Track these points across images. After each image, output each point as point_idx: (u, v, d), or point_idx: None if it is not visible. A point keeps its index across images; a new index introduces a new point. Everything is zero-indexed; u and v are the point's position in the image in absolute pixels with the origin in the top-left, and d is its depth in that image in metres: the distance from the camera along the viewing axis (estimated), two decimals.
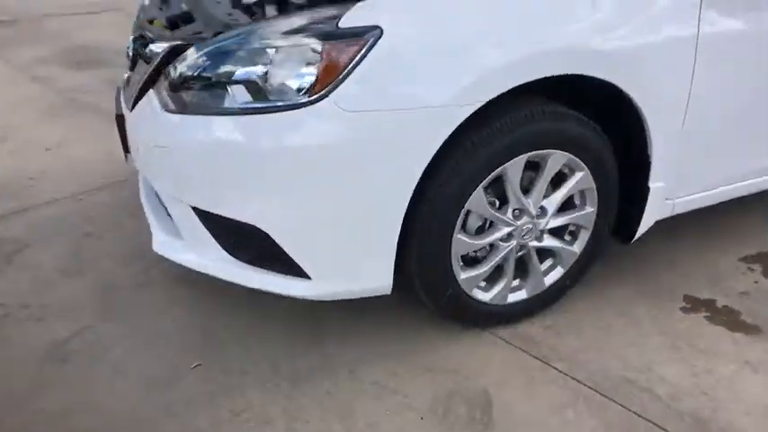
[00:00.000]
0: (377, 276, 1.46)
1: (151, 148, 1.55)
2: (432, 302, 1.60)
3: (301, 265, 1.42)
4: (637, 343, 1.69)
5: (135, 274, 1.95)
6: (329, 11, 1.33)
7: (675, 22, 1.51)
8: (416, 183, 1.35)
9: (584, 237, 1.70)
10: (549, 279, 1.72)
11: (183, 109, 1.46)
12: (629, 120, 1.56)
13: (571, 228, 1.70)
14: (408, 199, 1.36)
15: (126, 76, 1.85)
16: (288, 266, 1.44)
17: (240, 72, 1.35)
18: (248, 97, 1.35)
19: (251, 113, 1.34)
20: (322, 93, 1.28)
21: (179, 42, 1.50)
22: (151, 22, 1.83)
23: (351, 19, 1.29)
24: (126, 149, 1.83)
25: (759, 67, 1.68)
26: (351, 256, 1.43)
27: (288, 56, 1.31)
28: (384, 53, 1.27)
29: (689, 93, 1.57)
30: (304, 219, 1.37)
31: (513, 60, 1.32)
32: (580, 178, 1.59)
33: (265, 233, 1.39)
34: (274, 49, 1.32)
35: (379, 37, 1.27)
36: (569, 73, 1.38)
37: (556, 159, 1.52)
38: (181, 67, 1.44)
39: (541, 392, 1.52)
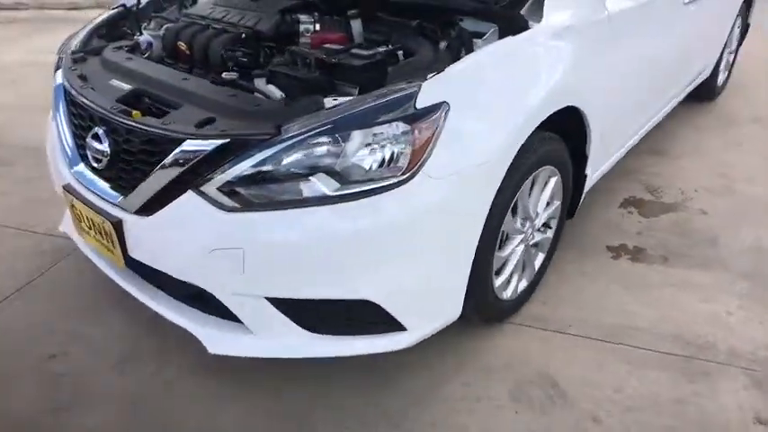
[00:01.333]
0: (454, 308, 1.66)
1: (207, 252, 1.46)
2: (477, 313, 1.85)
3: (401, 321, 1.54)
4: (604, 294, 2.18)
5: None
6: (398, 90, 1.44)
7: (605, 58, 1.99)
8: (485, 220, 1.58)
9: (554, 224, 2.12)
10: (537, 264, 2.11)
11: (248, 206, 1.42)
12: (577, 128, 1.99)
13: (546, 220, 2.10)
14: (479, 235, 1.58)
15: (99, 164, 1.66)
16: (386, 326, 1.55)
17: (326, 161, 1.39)
18: (334, 184, 1.39)
19: (348, 200, 1.39)
20: (414, 168, 1.41)
21: (224, 140, 1.43)
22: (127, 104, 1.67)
23: (424, 98, 1.43)
24: (126, 255, 1.65)
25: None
26: (438, 298, 1.61)
27: (379, 140, 1.39)
28: (455, 122, 1.45)
29: (605, 101, 2.06)
30: (404, 280, 1.49)
31: (540, 103, 1.63)
32: (556, 182, 1.98)
33: (367, 302, 1.48)
34: (364, 134, 1.39)
35: (449, 110, 1.44)
36: (566, 105, 1.74)
37: (546, 172, 1.88)
38: (247, 165, 1.40)
39: (579, 357, 1.90)
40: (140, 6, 2.29)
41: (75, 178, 1.76)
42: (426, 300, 1.58)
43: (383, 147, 1.40)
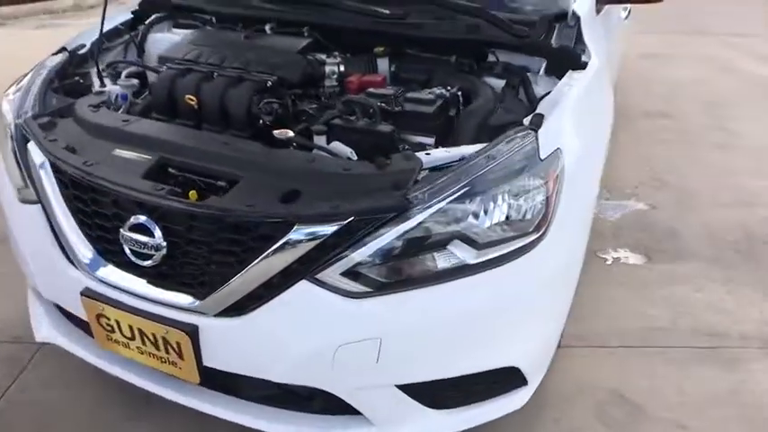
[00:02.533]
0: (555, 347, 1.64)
1: (333, 349, 1.26)
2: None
3: (528, 377, 1.48)
4: (617, 300, 2.31)
5: None
6: (513, 140, 1.36)
7: None
8: None
9: None
10: None
11: (381, 288, 1.25)
12: None
13: None
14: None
15: (148, 261, 1.34)
16: (510, 384, 1.47)
17: (461, 226, 1.27)
18: (471, 251, 1.28)
19: (489, 266, 1.28)
20: (546, 224, 1.35)
21: (345, 221, 1.23)
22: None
23: (544, 149, 1.37)
24: (201, 366, 1.35)
25: None
26: (553, 343, 1.57)
27: (513, 198, 1.30)
28: (568, 168, 1.41)
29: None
30: (540, 336, 1.44)
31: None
32: None
33: (512, 367, 1.40)
34: (500, 194, 1.29)
35: (562, 156, 1.40)
36: None
37: None
38: (378, 244, 1.22)
39: (631, 367, 1.99)
40: (101, 48, 1.89)
41: (103, 283, 1.40)
42: (547, 349, 1.54)
43: (518, 205, 1.32)
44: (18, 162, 1.58)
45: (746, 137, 3.78)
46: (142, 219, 1.33)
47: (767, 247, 2.66)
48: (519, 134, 1.39)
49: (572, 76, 1.63)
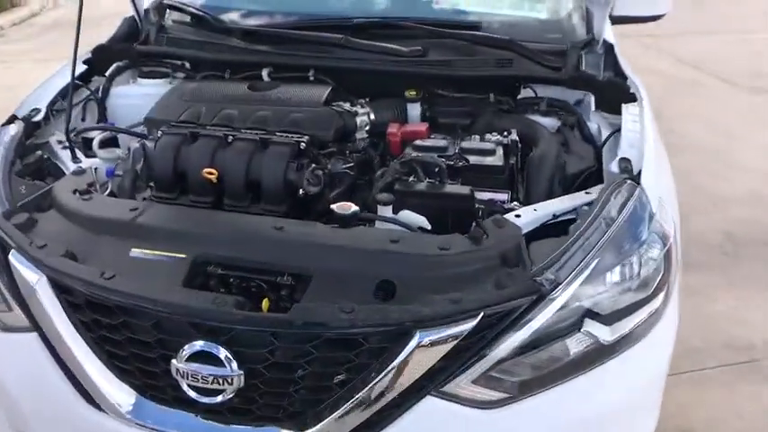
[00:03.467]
0: None
1: None
2: None
3: None
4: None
5: None
6: (616, 196, 1.22)
7: None
8: None
9: None
10: None
11: (518, 392, 1.05)
12: None
13: None
14: None
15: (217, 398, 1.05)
16: None
17: (591, 303, 1.10)
18: (604, 328, 1.11)
19: (628, 343, 1.12)
20: (669, 281, 1.21)
21: (473, 319, 1.01)
22: None
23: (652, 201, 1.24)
24: None
25: None
26: None
27: (638, 264, 1.15)
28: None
29: None
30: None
31: None
32: None
33: None
34: (629, 261, 1.13)
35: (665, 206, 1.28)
36: None
37: None
38: (514, 342, 1.02)
39: (682, 397, 1.92)
40: (60, 111, 1.52)
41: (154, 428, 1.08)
42: None
43: (636, 266, 1.17)
44: None
45: (690, 136, 3.95)
46: (202, 345, 1.04)
47: (750, 246, 2.76)
48: (623, 187, 1.24)
49: (629, 111, 1.51)
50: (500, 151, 1.41)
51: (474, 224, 1.18)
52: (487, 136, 1.48)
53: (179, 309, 1.04)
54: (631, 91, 1.57)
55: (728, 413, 1.89)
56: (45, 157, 1.50)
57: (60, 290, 1.12)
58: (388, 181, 1.34)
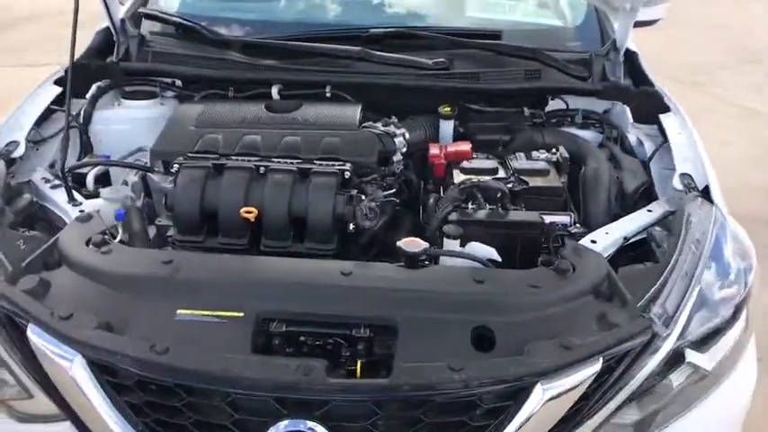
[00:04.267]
0: None
1: None
2: None
3: None
4: None
5: None
6: (695, 213, 1.17)
7: None
8: None
9: None
10: None
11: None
12: None
13: None
14: None
15: None
16: None
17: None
18: (700, 355, 1.06)
19: (729, 369, 1.08)
20: (746, 300, 1.17)
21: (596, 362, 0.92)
22: None
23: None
24: None
25: None
26: None
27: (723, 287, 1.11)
28: None
29: None
30: None
31: None
32: None
33: None
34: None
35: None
36: None
37: None
38: (635, 383, 0.97)
39: None
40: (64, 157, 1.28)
41: None
42: None
43: (724, 294, 1.13)
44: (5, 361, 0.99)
45: None
46: (291, 424, 0.88)
47: None
48: (697, 205, 1.20)
49: (669, 122, 1.48)
50: (553, 170, 1.34)
51: (557, 255, 1.10)
52: (534, 153, 1.40)
53: (261, 383, 0.88)
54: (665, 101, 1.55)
55: None
56: (36, 202, 1.28)
57: (100, 369, 0.93)
58: (448, 210, 1.23)
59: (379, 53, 1.55)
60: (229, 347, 0.93)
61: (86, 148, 1.53)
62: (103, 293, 1.03)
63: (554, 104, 1.63)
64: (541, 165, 1.35)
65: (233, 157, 1.28)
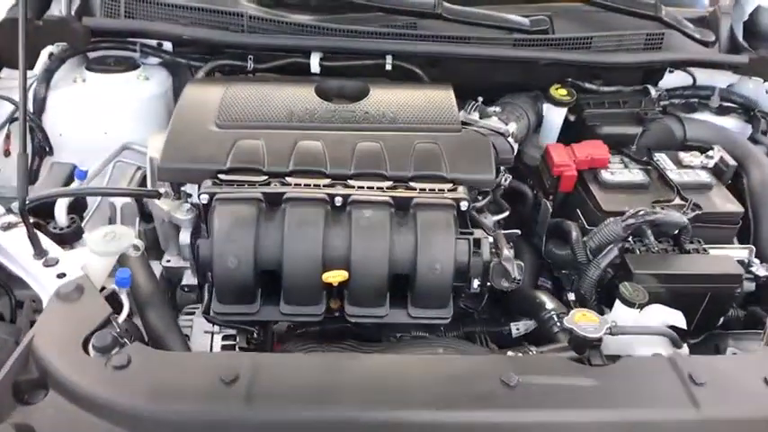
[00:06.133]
0: None
1: None
2: None
3: None
4: None
5: None
6: None
7: None
8: None
9: None
10: None
11: None
12: None
13: None
14: None
15: None
16: None
17: None
18: None
19: None
20: None
21: None
22: None
23: None
24: None
25: None
26: None
27: None
28: None
29: None
30: None
31: None
32: None
33: None
34: None
35: None
36: None
37: None
38: None
39: None
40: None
41: None
42: None
43: None
44: None
45: None
46: None
47: None
48: None
49: None
50: (717, 183, 1.00)
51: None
52: (683, 156, 1.05)
53: None
54: None
55: None
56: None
57: None
58: (612, 256, 0.86)
59: (462, 8, 1.11)
60: None
61: (41, 150, 1.04)
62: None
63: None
64: (704, 176, 1.00)
65: (287, 178, 0.85)
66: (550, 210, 0.97)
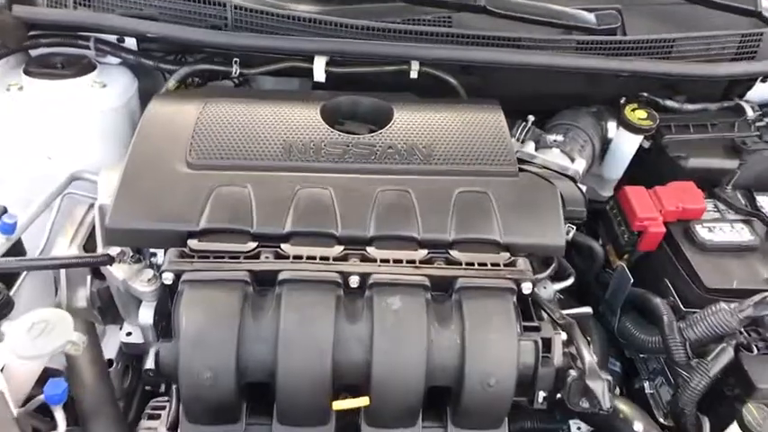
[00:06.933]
0: None
1: None
2: None
3: None
4: None
5: None
6: None
7: None
8: None
9: None
10: None
11: None
12: None
13: None
14: None
15: None
16: None
17: None
18: None
19: None
20: None
21: None
22: None
23: None
24: None
25: None
26: None
27: None
28: None
29: None
30: None
31: None
32: None
33: None
34: None
35: None
36: None
37: None
38: None
39: None
40: None
41: None
42: None
43: None
44: None
45: None
46: None
47: None
48: None
49: None
50: None
51: None
52: None
53: None
54: None
55: None
56: None
57: None
58: (727, 360, 0.64)
59: (512, 0, 0.85)
60: None
61: None
62: None
63: None
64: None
65: (284, 245, 0.62)
66: (631, 279, 0.74)
